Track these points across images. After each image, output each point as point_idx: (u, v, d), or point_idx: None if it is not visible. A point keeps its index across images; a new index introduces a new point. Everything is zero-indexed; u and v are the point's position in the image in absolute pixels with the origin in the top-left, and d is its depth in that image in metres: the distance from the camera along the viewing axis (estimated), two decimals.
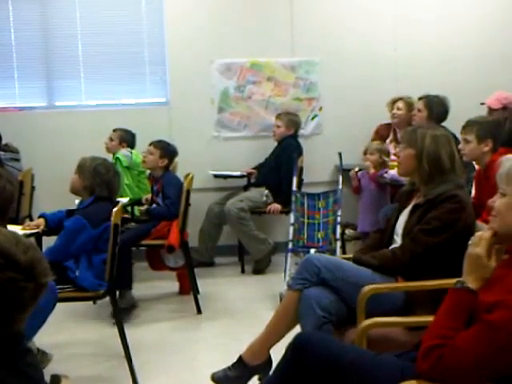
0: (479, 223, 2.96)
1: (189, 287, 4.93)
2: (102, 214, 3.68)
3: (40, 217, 4.09)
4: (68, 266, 3.62)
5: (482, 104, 5.32)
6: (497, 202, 2.08)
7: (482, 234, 2.08)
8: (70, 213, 3.99)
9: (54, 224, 4.01)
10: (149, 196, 5.27)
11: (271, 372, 2.68)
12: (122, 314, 4.38)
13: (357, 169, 5.34)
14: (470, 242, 2.08)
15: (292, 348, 2.27)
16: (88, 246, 3.68)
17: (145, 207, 5.13)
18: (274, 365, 2.55)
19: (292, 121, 5.93)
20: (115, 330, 3.61)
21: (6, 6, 6.13)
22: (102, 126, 5.88)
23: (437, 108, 5.22)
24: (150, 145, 5.07)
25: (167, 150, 5.04)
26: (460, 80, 6.17)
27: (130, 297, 4.67)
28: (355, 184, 5.33)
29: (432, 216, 2.96)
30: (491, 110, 5.28)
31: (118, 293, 4.62)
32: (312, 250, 4.63)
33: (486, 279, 2.02)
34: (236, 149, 6.25)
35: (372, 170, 5.11)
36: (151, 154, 5.04)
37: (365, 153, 5.25)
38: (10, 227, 3.31)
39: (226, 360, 3.15)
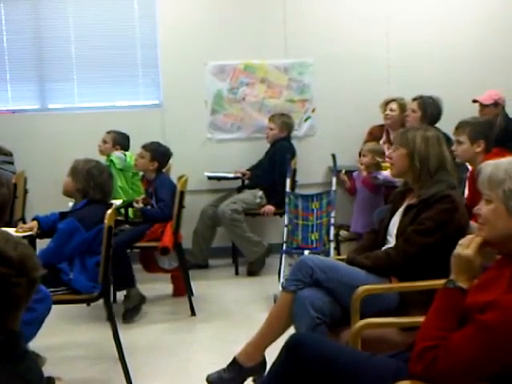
0: (473, 224, 2.97)
1: (183, 289, 4.92)
2: (95, 217, 3.67)
3: (33, 219, 4.07)
4: (62, 269, 3.61)
5: (474, 101, 5.35)
6: (483, 209, 2.06)
7: (474, 237, 2.07)
8: (63, 215, 3.98)
9: (47, 227, 3.98)
10: (140, 198, 5.24)
11: (266, 373, 2.68)
12: (130, 316, 4.53)
13: (343, 171, 5.33)
14: (460, 243, 2.09)
15: (286, 349, 2.27)
16: (81, 248, 3.67)
17: (139, 206, 5.09)
18: (269, 366, 2.55)
19: (285, 123, 5.93)
20: (109, 332, 3.61)
21: None
22: (95, 128, 5.87)
23: (431, 109, 5.23)
24: (142, 147, 5.07)
25: (157, 153, 5.03)
26: (453, 81, 6.18)
27: (136, 293, 4.63)
28: (349, 185, 5.33)
29: (425, 216, 2.97)
30: (483, 107, 5.32)
31: (124, 293, 4.65)
32: (306, 252, 4.63)
33: (476, 279, 2.04)
34: (229, 151, 6.25)
35: (364, 173, 5.11)
36: (142, 158, 5.04)
37: (360, 155, 5.25)
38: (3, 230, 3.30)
39: (220, 362, 3.16)
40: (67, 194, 4.00)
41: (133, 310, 4.57)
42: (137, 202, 5.16)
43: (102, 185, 3.89)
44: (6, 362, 1.48)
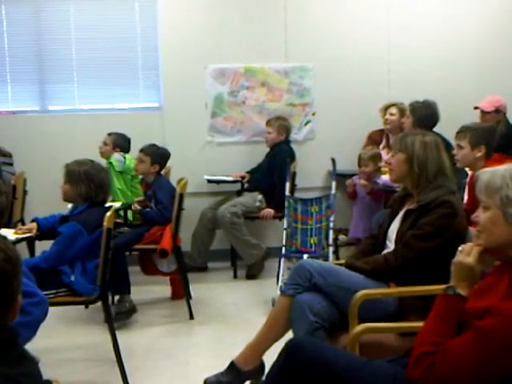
0: (472, 229, 2.97)
1: (181, 292, 4.91)
2: (96, 220, 3.62)
3: (32, 221, 4.06)
4: (63, 271, 3.59)
5: (476, 108, 5.34)
6: (481, 216, 2.05)
7: (474, 245, 2.07)
8: (63, 219, 3.95)
9: (46, 228, 3.97)
10: (138, 198, 5.23)
11: (264, 377, 2.67)
12: (121, 318, 4.46)
13: (358, 179, 5.30)
14: (459, 249, 2.09)
15: (284, 353, 2.27)
16: (83, 251, 3.63)
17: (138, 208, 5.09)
18: (267, 370, 2.54)
19: (283, 126, 5.93)
20: (107, 335, 3.60)
21: None
22: (95, 130, 5.87)
23: (420, 112, 5.24)
24: (141, 151, 5.05)
25: (158, 156, 5.02)
26: (454, 85, 6.19)
27: (129, 301, 4.61)
28: (351, 190, 5.33)
29: (424, 221, 2.97)
30: (484, 114, 5.31)
31: (117, 297, 4.62)
32: (305, 256, 4.63)
33: (475, 285, 2.04)
34: (229, 154, 6.25)
35: (366, 183, 5.11)
36: (142, 162, 5.02)
37: (359, 165, 5.22)
38: (2, 231, 3.29)
39: (218, 365, 3.15)
40: (68, 200, 3.97)
41: (124, 314, 4.51)
42: (137, 203, 5.14)
43: (101, 184, 3.85)
44: (2, 363, 1.46)
